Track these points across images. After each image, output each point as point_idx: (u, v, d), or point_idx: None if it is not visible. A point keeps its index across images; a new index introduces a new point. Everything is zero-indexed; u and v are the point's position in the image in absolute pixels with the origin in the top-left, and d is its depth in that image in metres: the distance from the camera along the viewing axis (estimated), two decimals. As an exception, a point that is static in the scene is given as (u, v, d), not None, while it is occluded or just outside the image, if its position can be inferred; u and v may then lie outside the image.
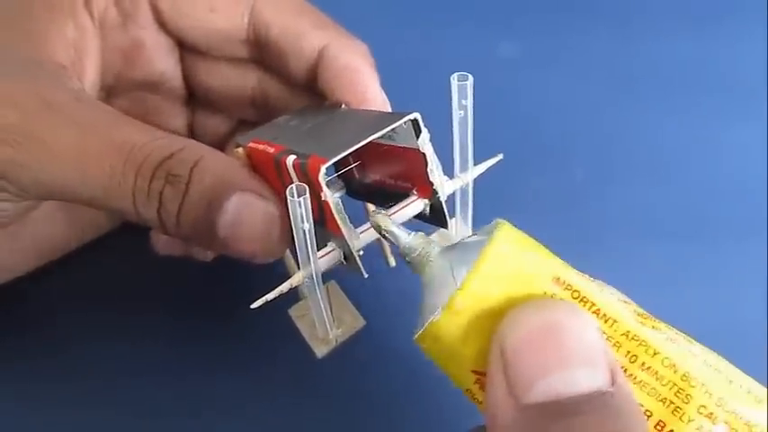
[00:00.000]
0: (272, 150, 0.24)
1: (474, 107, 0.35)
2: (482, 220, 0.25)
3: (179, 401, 0.30)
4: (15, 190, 0.24)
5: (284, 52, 0.28)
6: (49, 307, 0.32)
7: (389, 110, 0.27)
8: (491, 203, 0.35)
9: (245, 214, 0.23)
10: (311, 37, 0.28)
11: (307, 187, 0.21)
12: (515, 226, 0.21)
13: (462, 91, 0.23)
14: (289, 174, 0.23)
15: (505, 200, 0.35)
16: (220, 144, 0.32)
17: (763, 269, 0.34)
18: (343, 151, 0.21)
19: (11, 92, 0.24)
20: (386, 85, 0.28)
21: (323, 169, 0.21)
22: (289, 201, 0.21)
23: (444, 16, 0.45)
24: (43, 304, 0.32)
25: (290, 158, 0.23)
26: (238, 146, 0.26)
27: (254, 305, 0.23)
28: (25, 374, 0.31)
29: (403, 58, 0.39)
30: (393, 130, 0.22)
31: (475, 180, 0.26)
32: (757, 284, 0.34)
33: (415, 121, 0.22)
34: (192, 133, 0.33)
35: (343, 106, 0.27)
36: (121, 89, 0.30)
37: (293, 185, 0.20)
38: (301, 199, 0.21)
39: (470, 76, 0.22)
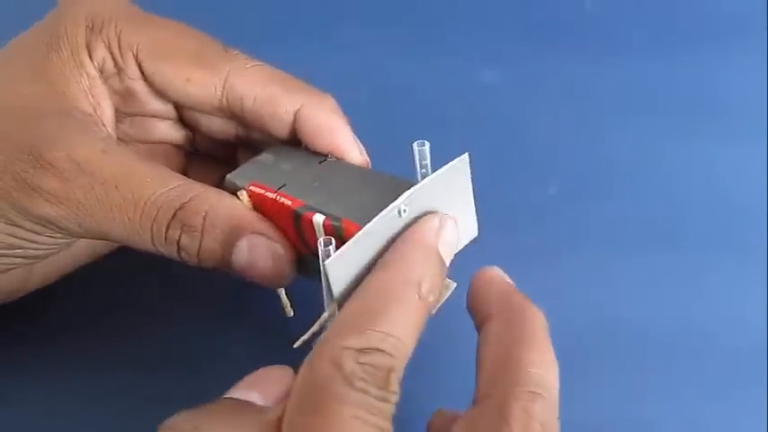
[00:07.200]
0: (289, 203, 0.28)
1: (456, 127, 0.37)
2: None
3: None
4: (63, 233, 0.30)
5: (262, 118, 0.32)
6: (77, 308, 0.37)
7: (367, 157, 0.32)
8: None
9: (255, 253, 0.28)
10: (284, 102, 0.31)
11: (333, 239, 0.25)
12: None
13: (422, 154, 0.26)
14: (314, 229, 0.27)
15: (483, 213, 0.38)
16: (223, 156, 0.36)
17: (730, 276, 0.37)
18: (373, 218, 0.25)
19: (52, 161, 0.28)
20: (376, 112, 0.30)
21: None
22: (321, 251, 0.25)
23: (430, 47, 0.48)
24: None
25: (319, 217, 0.27)
26: (238, 189, 0.30)
27: (296, 344, 0.27)
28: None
29: (392, 86, 0.43)
30: None
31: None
32: (726, 291, 0.36)
33: None
34: (194, 145, 0.36)
35: (329, 156, 0.31)
36: (123, 118, 0.34)
37: (323, 239, 0.25)
38: (330, 248, 0.25)
39: (427, 143, 0.26)
